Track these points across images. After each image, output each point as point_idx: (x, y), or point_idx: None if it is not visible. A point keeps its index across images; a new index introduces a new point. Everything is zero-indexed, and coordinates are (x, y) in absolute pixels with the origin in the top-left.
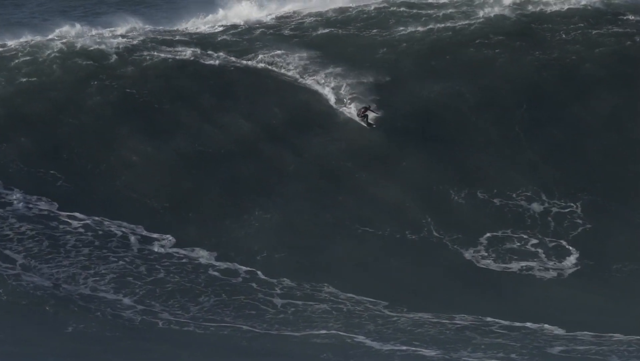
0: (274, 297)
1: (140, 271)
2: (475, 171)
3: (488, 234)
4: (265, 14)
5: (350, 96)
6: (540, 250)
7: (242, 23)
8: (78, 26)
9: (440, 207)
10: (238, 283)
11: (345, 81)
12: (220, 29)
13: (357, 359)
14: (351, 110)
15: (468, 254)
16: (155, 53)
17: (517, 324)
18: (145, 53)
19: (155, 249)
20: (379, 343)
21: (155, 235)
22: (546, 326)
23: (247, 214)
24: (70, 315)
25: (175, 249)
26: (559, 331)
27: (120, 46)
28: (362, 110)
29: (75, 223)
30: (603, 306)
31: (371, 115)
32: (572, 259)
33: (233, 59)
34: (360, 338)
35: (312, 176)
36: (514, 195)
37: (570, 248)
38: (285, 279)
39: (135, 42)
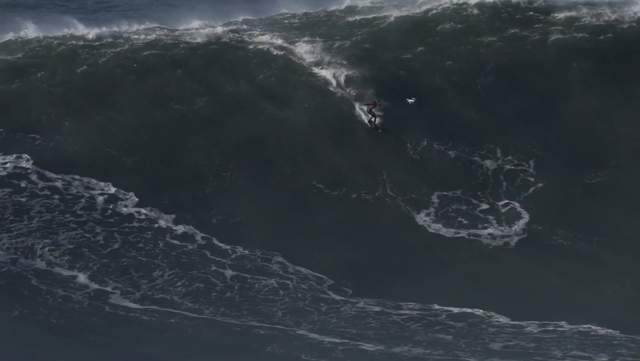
0: (225, 268)
1: (97, 241)
2: (436, 128)
3: (439, 193)
4: None
5: (329, 59)
6: (490, 215)
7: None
8: None
9: (397, 162)
10: (193, 250)
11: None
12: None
13: (300, 351)
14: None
15: (420, 218)
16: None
17: (467, 310)
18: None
19: (118, 210)
20: (321, 335)
21: (120, 193)
22: (493, 314)
23: (211, 179)
24: (18, 298)
25: (136, 209)
26: (505, 319)
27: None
28: (371, 106)
29: (42, 184)
30: (549, 290)
31: (377, 113)
32: (521, 224)
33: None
34: (303, 331)
35: (277, 143)
36: (469, 150)
37: (522, 210)
38: (238, 247)
39: None
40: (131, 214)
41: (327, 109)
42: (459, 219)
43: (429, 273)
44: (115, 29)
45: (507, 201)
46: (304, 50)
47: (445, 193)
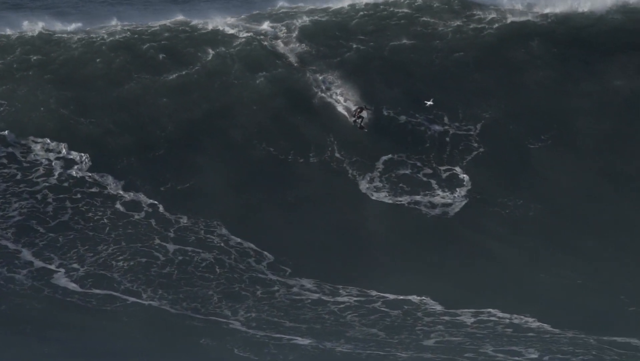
0: (168, 242)
1: (47, 212)
2: (383, 92)
3: (385, 157)
4: None
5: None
6: (433, 180)
7: None
8: None
9: (344, 125)
10: (139, 220)
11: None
12: None
13: (233, 344)
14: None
15: (364, 185)
16: None
17: (402, 297)
18: None
19: (73, 174)
20: (254, 330)
21: (76, 156)
22: (428, 300)
23: (164, 147)
24: None
25: (88, 173)
26: (439, 307)
27: None
28: (358, 110)
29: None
30: (484, 275)
31: (365, 114)
32: (462, 192)
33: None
34: (237, 325)
35: (231, 115)
36: (418, 115)
37: (463, 176)
38: (183, 217)
39: None
40: (83, 178)
41: (280, 82)
42: (401, 185)
43: (368, 251)
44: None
45: (449, 166)
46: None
47: (391, 156)
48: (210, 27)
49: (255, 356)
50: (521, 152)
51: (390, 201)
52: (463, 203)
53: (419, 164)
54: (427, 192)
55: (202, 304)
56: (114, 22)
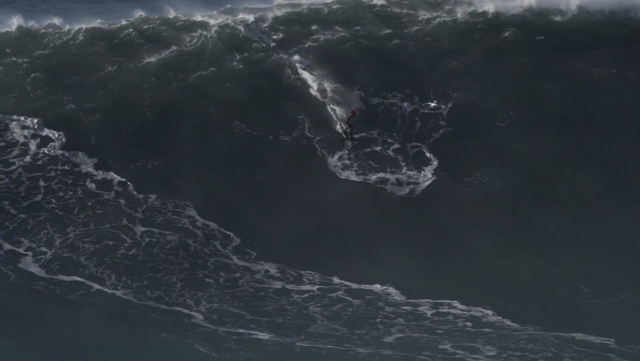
0: (135, 223)
1: (19, 192)
2: (356, 74)
3: (355, 135)
4: None
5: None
6: (400, 157)
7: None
8: None
9: (315, 105)
10: (109, 200)
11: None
12: None
13: (194, 339)
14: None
15: (332, 162)
16: None
17: (364, 287)
18: None
19: (47, 151)
20: (215, 325)
21: (49, 133)
22: (391, 290)
23: (136, 127)
24: None
25: (62, 152)
26: (401, 297)
27: None
28: (350, 115)
29: None
30: (446, 265)
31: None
32: (429, 169)
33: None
34: (198, 318)
35: (207, 95)
36: (390, 95)
37: (430, 155)
38: (151, 195)
39: None
40: (57, 156)
41: (254, 64)
42: (370, 162)
43: (334, 235)
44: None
45: (417, 143)
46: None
47: (362, 134)
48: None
49: (216, 353)
50: (488, 131)
51: (357, 180)
52: (430, 181)
53: (389, 140)
54: (394, 169)
55: (165, 292)
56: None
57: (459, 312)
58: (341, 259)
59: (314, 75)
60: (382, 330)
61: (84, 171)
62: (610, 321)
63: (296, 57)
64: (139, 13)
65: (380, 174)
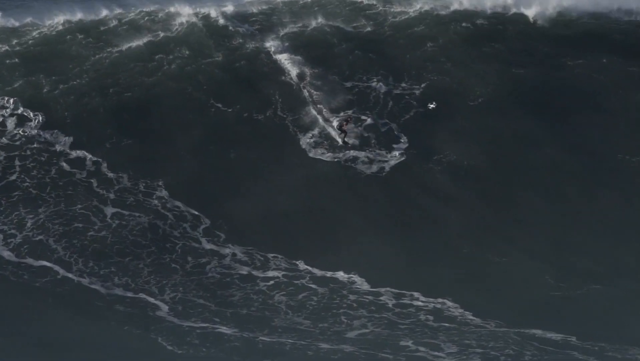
0: (106, 204)
1: None
2: (332, 59)
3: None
4: None
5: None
6: (372, 134)
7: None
8: None
9: (289, 87)
10: (81, 180)
11: None
12: None
13: (157, 333)
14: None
15: (304, 141)
16: None
17: (329, 274)
18: None
19: (24, 131)
20: (179, 318)
21: (28, 114)
22: (355, 278)
23: (114, 108)
24: None
25: (38, 131)
26: (365, 286)
27: None
28: (344, 123)
29: None
30: (407, 256)
31: (349, 127)
32: (398, 149)
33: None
34: (162, 310)
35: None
36: (365, 78)
37: (400, 134)
38: (124, 175)
39: None
40: (34, 136)
41: (234, 50)
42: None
43: (302, 217)
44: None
45: (387, 120)
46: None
47: (336, 115)
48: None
49: (179, 349)
50: (459, 111)
51: (327, 159)
52: (399, 160)
53: (362, 117)
54: (365, 147)
55: (132, 278)
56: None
57: (421, 304)
58: (308, 243)
59: (290, 59)
60: (344, 323)
61: (58, 150)
62: (573, 316)
63: (272, 43)
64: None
65: (352, 153)
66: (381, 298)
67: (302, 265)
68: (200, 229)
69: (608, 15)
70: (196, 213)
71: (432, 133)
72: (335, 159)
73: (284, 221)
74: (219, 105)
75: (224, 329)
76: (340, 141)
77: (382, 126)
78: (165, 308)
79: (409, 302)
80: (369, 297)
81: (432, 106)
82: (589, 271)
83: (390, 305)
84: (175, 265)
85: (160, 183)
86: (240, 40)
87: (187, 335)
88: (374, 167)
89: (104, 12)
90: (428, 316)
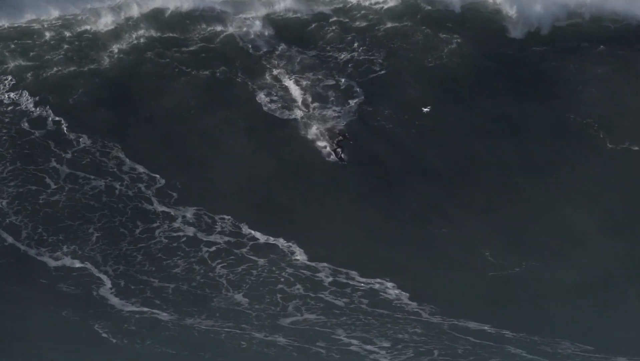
0: (62, 163)
1: None
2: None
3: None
4: None
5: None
6: (331, 93)
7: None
8: None
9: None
10: (39, 139)
11: None
12: None
13: (95, 319)
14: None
15: (259, 98)
16: None
17: (271, 241)
18: None
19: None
20: (120, 299)
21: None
22: (295, 248)
23: (81, 64)
24: None
25: (10, 93)
26: (303, 257)
27: None
28: (339, 140)
29: None
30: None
31: (344, 142)
32: (354, 103)
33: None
34: (105, 290)
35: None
36: (329, 47)
37: (358, 89)
38: (83, 135)
39: None
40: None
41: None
42: (296, 97)
43: (252, 179)
44: None
45: (346, 79)
46: None
47: (295, 76)
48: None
49: (113, 338)
50: (419, 73)
51: (281, 117)
52: (353, 117)
53: (319, 77)
54: (322, 104)
55: (79, 245)
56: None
57: (358, 284)
58: (254, 206)
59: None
60: (280, 304)
61: (23, 109)
62: (508, 306)
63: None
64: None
65: (306, 110)
66: (318, 274)
67: (245, 229)
68: (154, 188)
69: None
70: (151, 173)
71: (390, 95)
72: (292, 117)
73: (236, 183)
74: (176, 62)
75: (162, 315)
76: (335, 155)
77: (343, 84)
78: (108, 283)
79: (345, 281)
80: (306, 272)
81: (426, 110)
82: (527, 249)
83: (326, 283)
84: (124, 230)
85: (117, 145)
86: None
87: (125, 321)
88: (328, 125)
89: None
90: (362, 299)
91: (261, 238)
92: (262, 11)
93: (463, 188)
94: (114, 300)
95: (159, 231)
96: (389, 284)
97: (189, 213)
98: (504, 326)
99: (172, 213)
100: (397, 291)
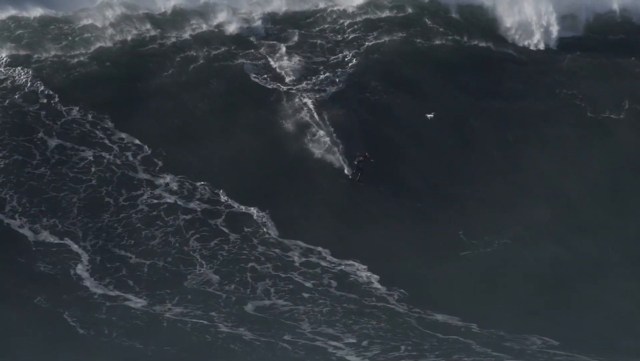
0: (52, 135)
1: None
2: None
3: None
4: None
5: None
6: (320, 68)
7: None
8: None
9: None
10: (32, 111)
11: None
12: None
13: (66, 306)
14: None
15: (246, 68)
16: None
17: (244, 210)
18: None
19: None
20: (96, 281)
21: None
22: (267, 220)
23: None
24: None
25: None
26: (275, 232)
27: None
28: (359, 161)
29: None
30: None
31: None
32: (344, 74)
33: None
34: (81, 269)
35: None
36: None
37: (353, 57)
38: (75, 107)
39: None
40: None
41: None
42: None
43: (233, 147)
44: None
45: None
46: None
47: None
48: None
49: (81, 328)
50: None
51: (270, 86)
52: (335, 89)
53: (308, 54)
54: (309, 76)
55: (60, 219)
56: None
57: (329, 265)
58: (233, 175)
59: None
60: (250, 285)
61: (18, 83)
62: (477, 297)
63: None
64: None
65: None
66: (289, 253)
67: (223, 196)
68: (140, 157)
69: None
70: (139, 142)
71: (374, 67)
72: (276, 86)
73: (219, 153)
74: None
75: (133, 301)
76: (353, 178)
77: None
78: (85, 258)
79: (316, 261)
80: (277, 250)
81: (430, 115)
82: (500, 227)
83: (297, 263)
84: (109, 199)
85: (106, 115)
86: None
87: (96, 309)
88: (323, 95)
89: None
90: (332, 281)
91: (236, 207)
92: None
93: (438, 165)
94: (89, 282)
95: (141, 198)
96: (360, 266)
97: (171, 180)
98: (472, 319)
99: (155, 182)
100: (367, 274)
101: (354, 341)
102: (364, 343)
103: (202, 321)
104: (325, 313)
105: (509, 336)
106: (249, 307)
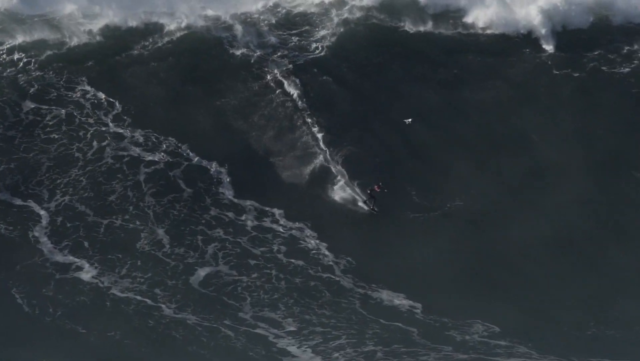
0: (25, 100)
1: None
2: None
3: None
4: None
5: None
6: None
7: None
8: None
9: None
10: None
11: None
12: None
13: (15, 281)
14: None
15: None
16: None
17: (204, 163)
18: None
19: None
20: (53, 245)
21: None
22: (224, 176)
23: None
24: None
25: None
26: (230, 193)
27: None
28: (372, 190)
29: None
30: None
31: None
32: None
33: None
34: (39, 231)
35: None
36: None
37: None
38: (50, 72)
39: None
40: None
41: None
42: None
43: (200, 109)
44: None
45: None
46: None
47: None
48: None
49: (28, 306)
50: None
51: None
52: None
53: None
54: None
55: (26, 177)
56: None
57: (280, 228)
58: (198, 131)
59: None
60: (199, 249)
61: (14, 59)
62: (422, 273)
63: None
64: None
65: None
66: (242, 217)
67: (185, 150)
68: (112, 115)
69: None
70: (111, 99)
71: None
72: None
73: (186, 107)
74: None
75: (84, 271)
76: (367, 206)
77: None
78: (45, 220)
79: (268, 225)
80: (230, 214)
81: (408, 121)
82: (454, 188)
83: (249, 227)
84: (79, 154)
85: (83, 78)
86: None
87: (45, 283)
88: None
89: None
90: (281, 247)
91: (195, 160)
92: None
93: (398, 126)
94: (47, 246)
95: (107, 151)
96: (309, 232)
97: (139, 135)
98: (416, 298)
99: (124, 134)
100: (316, 241)
101: (294, 329)
102: (305, 331)
103: (146, 300)
104: (268, 289)
105: (452, 323)
106: (195, 278)
